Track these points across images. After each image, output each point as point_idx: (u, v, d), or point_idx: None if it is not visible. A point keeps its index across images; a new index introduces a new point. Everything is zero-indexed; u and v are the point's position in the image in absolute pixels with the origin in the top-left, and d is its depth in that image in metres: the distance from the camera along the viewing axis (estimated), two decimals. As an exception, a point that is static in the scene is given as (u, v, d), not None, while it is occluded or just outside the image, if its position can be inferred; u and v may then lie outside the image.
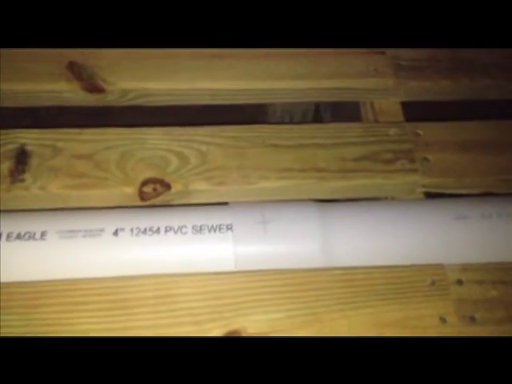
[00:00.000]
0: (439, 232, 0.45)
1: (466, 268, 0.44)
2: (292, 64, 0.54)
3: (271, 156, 0.48)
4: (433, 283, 0.42)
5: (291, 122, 0.73)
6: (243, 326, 0.39)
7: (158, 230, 0.42)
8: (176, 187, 0.45)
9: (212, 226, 0.43)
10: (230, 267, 0.42)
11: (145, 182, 0.45)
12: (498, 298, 0.43)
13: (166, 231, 0.43)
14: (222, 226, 0.43)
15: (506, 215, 0.46)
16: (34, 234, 0.42)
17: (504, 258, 0.45)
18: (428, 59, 0.55)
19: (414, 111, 0.54)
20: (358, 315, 0.41)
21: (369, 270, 0.43)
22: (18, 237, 0.41)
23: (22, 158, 0.46)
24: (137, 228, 0.42)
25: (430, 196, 0.49)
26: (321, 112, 0.71)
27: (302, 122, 0.73)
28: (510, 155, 0.50)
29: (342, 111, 0.58)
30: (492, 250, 0.45)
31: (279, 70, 0.54)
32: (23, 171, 0.45)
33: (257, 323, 0.39)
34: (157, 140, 0.48)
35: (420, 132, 0.50)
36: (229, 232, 0.43)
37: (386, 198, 0.50)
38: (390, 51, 0.56)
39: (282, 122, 0.73)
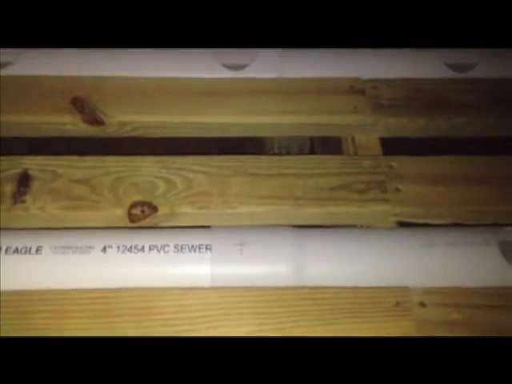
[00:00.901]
0: (406, 257, 0.48)
1: (430, 291, 0.46)
2: (277, 101, 0.58)
3: (252, 184, 0.52)
4: (397, 304, 0.45)
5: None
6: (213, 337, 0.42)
7: (142, 249, 0.46)
8: (163, 210, 0.49)
9: (192, 246, 0.47)
10: (207, 284, 0.46)
11: (133, 205, 0.49)
12: (461, 321, 0.45)
13: (149, 249, 0.46)
14: (201, 247, 0.47)
15: (471, 243, 0.49)
16: (31, 248, 0.46)
17: (468, 283, 0.47)
18: (405, 98, 0.59)
19: (392, 147, 0.58)
20: (325, 331, 0.43)
21: (337, 289, 0.45)
22: (16, 251, 0.46)
23: (24, 181, 0.50)
24: (123, 246, 0.46)
25: (402, 225, 0.52)
26: (314, 147, 0.75)
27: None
28: (478, 189, 0.53)
29: (331, 146, 0.62)
30: (457, 275, 0.48)
31: (265, 106, 0.58)
32: (25, 193, 0.49)
33: (227, 335, 0.42)
34: (148, 168, 0.52)
35: (394, 164, 0.54)
36: (208, 252, 0.47)
37: (361, 226, 0.53)
38: (369, 91, 0.60)
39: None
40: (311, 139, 0.75)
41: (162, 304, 0.44)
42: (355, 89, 0.60)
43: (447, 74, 0.62)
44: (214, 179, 0.52)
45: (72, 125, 0.56)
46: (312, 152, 0.74)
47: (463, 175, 0.54)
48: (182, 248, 0.47)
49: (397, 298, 0.46)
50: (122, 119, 0.57)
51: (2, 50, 0.60)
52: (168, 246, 0.47)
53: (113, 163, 0.52)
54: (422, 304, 0.45)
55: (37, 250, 0.46)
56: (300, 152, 0.77)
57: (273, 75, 0.62)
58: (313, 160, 0.54)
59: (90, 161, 0.53)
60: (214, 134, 0.58)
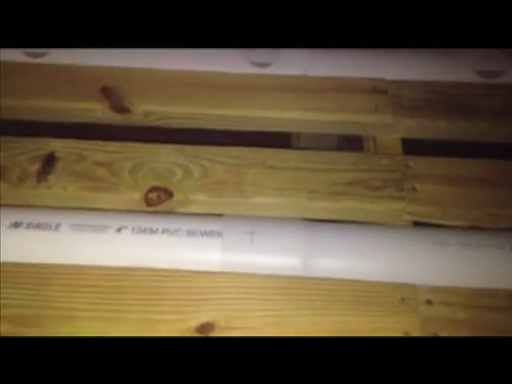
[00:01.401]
0: (416, 254, 0.48)
1: (437, 290, 0.46)
2: (299, 98, 0.59)
3: (268, 176, 0.52)
4: (402, 300, 0.45)
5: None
6: (216, 319, 0.43)
7: (156, 231, 0.48)
8: (178, 196, 0.51)
9: (204, 232, 0.48)
10: (216, 269, 0.47)
11: (151, 190, 0.51)
12: (466, 320, 0.45)
13: (163, 232, 0.48)
14: (213, 233, 0.48)
15: (484, 246, 0.48)
16: (51, 225, 0.48)
17: (477, 284, 0.47)
18: (427, 100, 0.59)
19: (413, 147, 0.58)
20: (326, 322, 0.44)
21: (342, 282, 0.46)
22: (37, 226, 0.48)
23: (50, 161, 0.53)
24: (138, 228, 0.48)
25: (416, 224, 0.52)
26: (340, 145, 0.75)
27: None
28: (495, 191, 0.52)
29: (354, 144, 0.63)
30: (466, 276, 0.48)
31: (288, 102, 0.59)
32: (49, 172, 0.52)
33: (229, 319, 0.43)
34: (167, 155, 0.54)
35: (411, 164, 0.54)
36: (219, 238, 0.48)
37: (375, 223, 0.53)
38: (392, 91, 0.60)
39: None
40: (339, 138, 0.76)
41: (170, 285, 0.45)
42: (378, 89, 0.60)
43: (472, 78, 0.61)
44: (230, 169, 0.53)
45: (100, 112, 0.58)
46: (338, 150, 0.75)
47: (480, 177, 0.53)
48: (194, 233, 0.48)
49: (402, 294, 0.46)
50: (147, 109, 0.58)
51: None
52: (181, 230, 0.48)
53: (134, 149, 0.54)
54: (429, 302, 0.45)
55: (56, 227, 0.48)
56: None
57: (297, 73, 0.63)
58: (330, 156, 0.55)
59: (113, 146, 0.54)
60: (236, 126, 0.59)
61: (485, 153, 0.57)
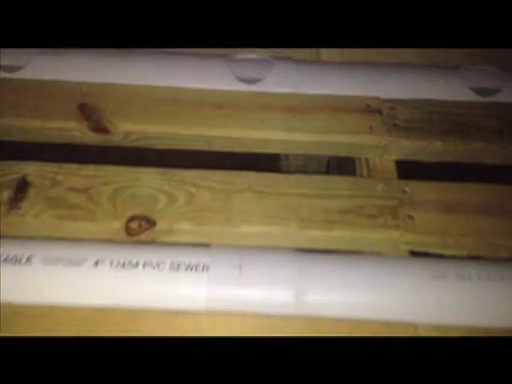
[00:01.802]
0: (414, 291, 0.45)
1: (438, 329, 0.43)
2: (288, 117, 0.56)
3: (256, 202, 0.49)
4: (401, 339, 0.42)
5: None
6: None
7: (136, 264, 0.44)
8: (161, 225, 0.47)
9: (189, 265, 0.45)
10: (201, 306, 0.43)
11: (131, 218, 0.47)
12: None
13: (144, 266, 0.44)
14: (198, 266, 0.45)
15: (486, 278, 0.46)
16: (21, 258, 0.44)
17: (479, 321, 0.44)
18: (423, 120, 0.57)
19: (408, 170, 0.55)
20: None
21: (336, 321, 0.43)
22: (6, 260, 0.44)
23: (22, 187, 0.49)
24: (117, 261, 0.44)
25: (414, 254, 0.49)
26: (330, 167, 0.72)
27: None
28: (496, 219, 0.50)
29: (344, 166, 0.60)
30: (468, 312, 0.45)
31: (276, 122, 0.56)
32: (21, 199, 0.48)
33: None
34: (150, 179, 0.50)
35: (407, 189, 0.51)
36: (204, 272, 0.44)
37: (370, 253, 0.50)
38: (386, 111, 0.57)
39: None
40: (328, 159, 0.73)
41: (150, 328, 0.42)
42: (372, 108, 0.57)
43: (469, 96, 0.59)
44: (216, 195, 0.49)
45: (78, 131, 0.55)
46: (327, 172, 0.72)
47: (480, 204, 0.51)
48: (178, 266, 0.44)
49: (402, 335, 0.43)
50: (128, 128, 0.55)
51: (14, 54, 0.59)
52: (164, 263, 0.44)
53: (113, 172, 0.51)
54: None
55: (27, 260, 0.44)
56: (316, 172, 0.75)
57: (286, 90, 0.60)
58: (322, 180, 0.52)
59: (90, 169, 0.51)
60: (222, 147, 0.56)
61: (483, 176, 0.55)
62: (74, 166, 0.51)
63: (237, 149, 0.56)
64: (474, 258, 0.49)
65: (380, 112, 0.57)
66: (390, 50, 0.63)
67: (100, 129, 0.55)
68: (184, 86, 0.59)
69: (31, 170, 0.50)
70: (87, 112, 0.55)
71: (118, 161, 0.53)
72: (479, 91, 0.61)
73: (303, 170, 0.75)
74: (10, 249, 0.44)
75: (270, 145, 0.56)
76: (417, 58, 0.63)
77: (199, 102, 0.57)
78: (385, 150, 0.55)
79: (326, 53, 0.65)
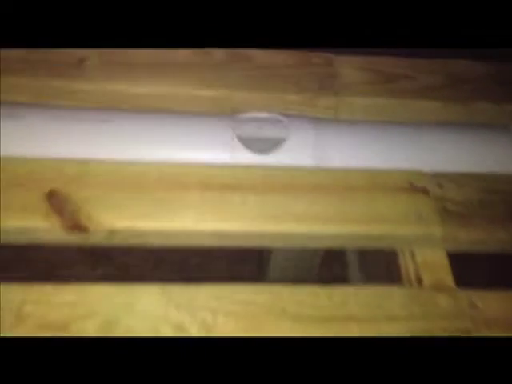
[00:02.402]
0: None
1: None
2: (314, 200, 0.45)
3: (292, 330, 0.38)
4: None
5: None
6: None
7: None
8: None
9: None
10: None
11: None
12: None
13: None
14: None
15: None
16: None
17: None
18: (479, 201, 0.46)
19: (467, 270, 0.45)
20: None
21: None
22: None
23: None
24: None
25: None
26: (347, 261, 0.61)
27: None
28: None
29: (372, 262, 0.49)
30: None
31: (298, 207, 0.44)
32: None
33: None
34: (150, 303, 0.38)
35: (478, 304, 0.40)
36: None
37: None
38: (433, 190, 0.47)
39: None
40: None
41: None
42: (415, 186, 0.47)
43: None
44: (241, 323, 0.38)
45: (46, 231, 0.41)
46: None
47: None
48: None
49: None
50: (112, 225, 0.42)
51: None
52: None
53: (99, 295, 0.38)
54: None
55: None
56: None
57: (306, 162, 0.48)
58: (369, 294, 0.41)
59: (67, 292, 0.38)
60: (234, 243, 0.44)
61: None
62: (47, 288, 0.38)
63: (252, 244, 0.44)
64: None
65: (426, 192, 0.47)
66: (415, 104, 0.53)
67: (75, 226, 0.42)
68: (179, 160, 0.47)
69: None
70: (57, 202, 0.42)
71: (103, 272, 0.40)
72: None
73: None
74: None
75: (292, 239, 0.44)
76: (460, 116, 0.53)
77: (200, 183, 0.45)
78: (435, 242, 0.45)
79: (346, 107, 0.53)
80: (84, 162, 0.45)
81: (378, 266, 0.49)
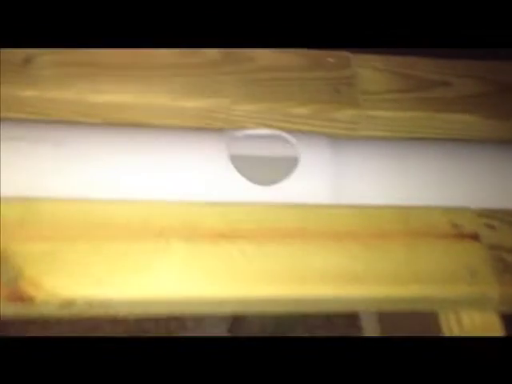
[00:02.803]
0: None
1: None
2: (334, 250, 0.35)
3: None
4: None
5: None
6: None
7: None
8: None
9: None
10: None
11: None
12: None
13: None
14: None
15: None
16: None
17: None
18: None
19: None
20: None
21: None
22: None
23: None
24: None
25: None
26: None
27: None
28: None
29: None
30: None
31: (314, 261, 0.34)
32: None
33: None
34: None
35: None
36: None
37: None
38: (484, 233, 0.36)
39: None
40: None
41: None
42: (461, 230, 0.37)
43: None
44: None
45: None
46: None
47: None
48: None
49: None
50: (65, 292, 0.31)
51: None
52: None
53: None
54: None
55: None
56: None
57: (322, 196, 0.38)
58: None
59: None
60: (228, 309, 0.34)
61: None
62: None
63: (255, 310, 0.34)
64: None
65: (476, 237, 0.36)
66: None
67: (17, 296, 0.31)
68: (159, 195, 0.36)
69: None
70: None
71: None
72: None
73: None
74: None
75: (302, 305, 0.34)
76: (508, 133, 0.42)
77: (191, 234, 0.34)
78: (489, 304, 0.35)
79: (369, 121, 0.43)
80: (26, 202, 0.34)
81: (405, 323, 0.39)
